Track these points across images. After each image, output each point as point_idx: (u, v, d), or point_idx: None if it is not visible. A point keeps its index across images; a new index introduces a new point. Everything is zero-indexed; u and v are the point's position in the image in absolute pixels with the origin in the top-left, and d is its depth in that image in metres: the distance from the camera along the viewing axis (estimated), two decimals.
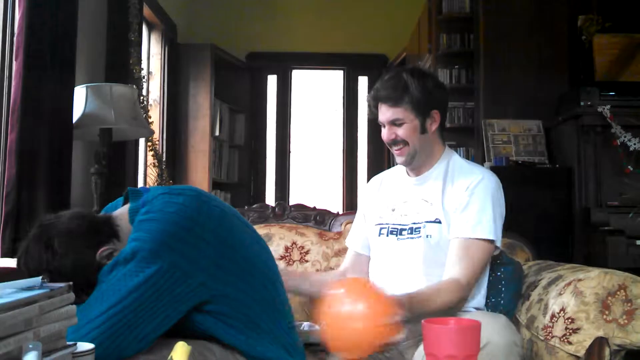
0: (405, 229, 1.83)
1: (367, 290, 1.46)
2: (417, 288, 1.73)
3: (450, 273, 1.73)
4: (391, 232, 1.86)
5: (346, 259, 2.04)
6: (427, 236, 1.80)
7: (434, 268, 1.78)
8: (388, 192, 1.94)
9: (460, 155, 5.11)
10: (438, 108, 1.82)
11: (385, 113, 1.80)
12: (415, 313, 1.60)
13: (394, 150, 1.83)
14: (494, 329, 1.46)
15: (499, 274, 1.97)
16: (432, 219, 1.80)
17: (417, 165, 1.86)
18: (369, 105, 1.86)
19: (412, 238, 1.82)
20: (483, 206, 1.75)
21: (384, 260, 1.87)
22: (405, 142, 1.80)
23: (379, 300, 1.42)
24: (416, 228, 1.82)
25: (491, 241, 1.75)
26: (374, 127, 6.55)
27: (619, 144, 3.66)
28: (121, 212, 1.42)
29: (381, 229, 1.89)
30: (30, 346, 0.79)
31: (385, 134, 1.83)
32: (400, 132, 1.79)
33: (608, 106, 3.71)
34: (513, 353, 1.49)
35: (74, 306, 0.97)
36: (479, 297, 1.83)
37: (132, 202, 1.38)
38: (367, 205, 2.00)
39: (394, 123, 1.79)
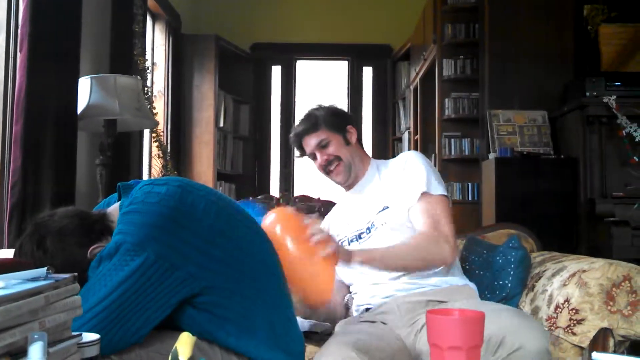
0: (363, 232, 1.92)
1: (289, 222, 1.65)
2: (396, 277, 1.83)
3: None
4: (352, 241, 1.94)
5: None
6: (382, 224, 1.88)
7: None
8: (339, 215, 2.07)
9: (465, 145, 5.09)
10: (351, 123, 2.03)
11: (311, 141, 1.98)
12: (377, 255, 1.74)
13: (332, 172, 1.98)
14: (529, 333, 1.41)
15: (509, 257, 1.97)
16: (380, 209, 1.90)
17: (354, 177, 2.00)
18: (295, 147, 2.05)
19: (371, 234, 1.90)
20: (422, 171, 1.87)
21: (357, 268, 1.90)
22: (338, 158, 1.97)
23: (298, 228, 1.63)
24: (370, 226, 1.91)
25: (444, 196, 1.86)
26: (379, 117, 6.54)
27: (624, 134, 3.64)
28: (114, 208, 1.41)
29: (342, 242, 1.95)
30: (36, 336, 0.79)
31: (319, 160, 1.98)
32: (331, 149, 1.97)
33: (614, 96, 3.69)
34: (544, 358, 1.42)
35: (79, 297, 0.97)
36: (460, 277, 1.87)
37: (124, 197, 1.38)
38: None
39: (322, 145, 1.97)
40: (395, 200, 1.88)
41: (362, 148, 2.07)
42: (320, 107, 2.06)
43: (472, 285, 1.86)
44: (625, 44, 4.11)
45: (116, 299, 1.20)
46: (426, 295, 1.78)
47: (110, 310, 1.20)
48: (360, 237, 1.92)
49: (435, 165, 4.66)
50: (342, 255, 1.66)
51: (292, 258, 1.55)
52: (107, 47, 3.34)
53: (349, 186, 2.03)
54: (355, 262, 1.72)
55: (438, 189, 1.85)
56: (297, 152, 2.07)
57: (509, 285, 1.93)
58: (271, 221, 1.64)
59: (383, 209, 1.89)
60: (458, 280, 1.85)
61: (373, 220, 1.90)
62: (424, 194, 1.83)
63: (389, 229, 1.86)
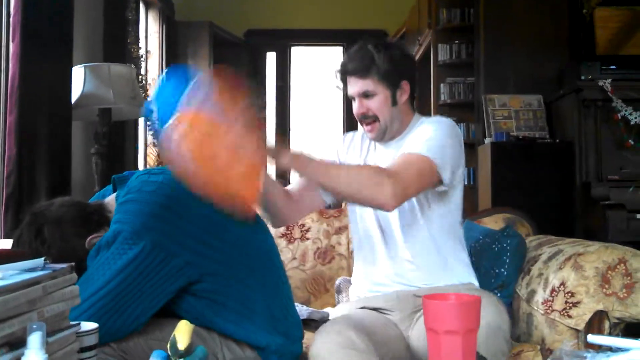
0: None
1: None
2: (399, 252, 1.73)
3: None
4: None
5: (295, 182, 1.87)
6: None
7: (410, 231, 1.74)
8: (357, 152, 1.88)
9: (460, 130, 5.08)
10: (407, 78, 1.77)
11: (355, 86, 1.75)
12: (311, 166, 1.54)
13: (365, 125, 1.78)
14: (482, 311, 1.43)
15: (505, 245, 1.97)
16: None
17: (388, 137, 1.80)
18: (339, 79, 1.81)
19: None
20: (429, 134, 1.68)
21: (362, 224, 1.82)
22: (375, 117, 1.75)
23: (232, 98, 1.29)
24: None
25: (431, 161, 1.62)
26: None
27: (619, 118, 3.64)
28: (111, 198, 1.42)
29: None
30: (35, 326, 0.80)
31: (355, 107, 1.77)
32: (372, 105, 1.74)
33: (609, 80, 3.68)
34: (497, 337, 1.46)
35: (77, 286, 0.97)
36: (463, 271, 1.79)
37: (119, 189, 1.38)
38: (345, 152, 1.91)
39: (365, 95, 1.74)
40: None
41: (410, 105, 1.82)
42: (382, 48, 1.74)
43: (476, 283, 1.80)
44: (620, 27, 4.10)
45: (114, 287, 1.21)
46: (430, 291, 1.74)
47: (108, 298, 1.20)
48: None
49: None
50: (271, 152, 1.48)
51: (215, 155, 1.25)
52: (100, 35, 3.32)
53: (383, 140, 1.82)
54: (284, 164, 1.53)
55: (424, 149, 1.63)
56: (339, 84, 1.83)
57: (505, 273, 1.93)
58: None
59: None
60: (466, 278, 1.79)
61: None
62: (413, 152, 1.64)
63: (404, 207, 1.69)
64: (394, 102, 1.75)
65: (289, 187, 1.84)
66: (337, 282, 2.10)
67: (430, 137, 1.67)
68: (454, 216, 1.80)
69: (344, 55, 1.78)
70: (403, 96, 1.77)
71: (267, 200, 1.72)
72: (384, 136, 1.79)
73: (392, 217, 1.75)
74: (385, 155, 1.79)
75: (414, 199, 1.71)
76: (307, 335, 1.64)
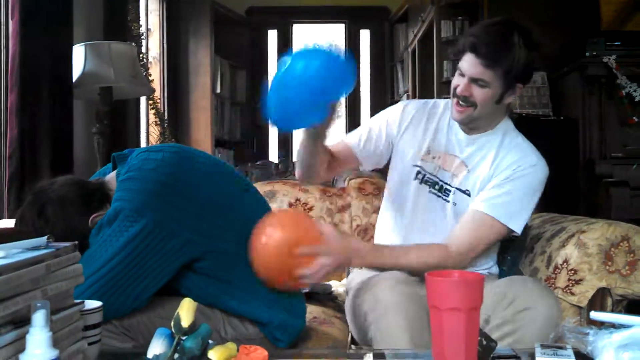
0: (437, 183, 1.74)
1: (297, 219, 1.49)
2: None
3: (449, 237, 1.67)
4: (425, 181, 1.76)
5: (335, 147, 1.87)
6: (454, 203, 1.72)
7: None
8: (433, 132, 1.79)
9: None
10: (524, 82, 1.69)
11: (472, 67, 1.61)
12: (383, 260, 1.61)
13: (457, 105, 1.67)
14: (539, 298, 1.44)
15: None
16: (462, 188, 1.72)
17: (472, 126, 1.73)
18: (457, 47, 1.67)
19: (439, 197, 1.74)
20: (519, 192, 1.66)
21: (411, 206, 1.78)
22: (474, 105, 1.64)
23: (305, 230, 1.45)
24: (446, 189, 1.74)
25: (507, 228, 1.66)
26: (377, 80, 6.49)
27: (624, 94, 3.62)
28: (111, 176, 1.42)
29: (418, 172, 1.77)
30: (39, 305, 0.80)
31: (460, 86, 1.64)
32: (478, 93, 1.63)
33: (613, 56, 3.65)
34: (551, 326, 1.42)
35: (80, 265, 0.98)
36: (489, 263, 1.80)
37: (119, 166, 1.38)
38: (406, 126, 1.82)
39: (476, 82, 1.62)
40: (478, 192, 1.70)
41: (505, 109, 1.75)
42: (526, 41, 1.60)
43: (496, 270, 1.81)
44: (625, 2, 4.05)
45: (117, 264, 1.21)
46: None
47: (111, 275, 1.21)
48: (433, 187, 1.74)
49: None
50: (341, 264, 1.49)
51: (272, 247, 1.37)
52: (100, 13, 3.29)
53: (466, 127, 1.74)
54: (360, 264, 1.65)
55: (505, 216, 1.64)
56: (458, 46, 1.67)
57: (508, 257, 1.91)
58: (278, 219, 1.46)
59: (464, 191, 1.72)
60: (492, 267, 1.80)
61: (450, 190, 1.73)
62: (490, 214, 1.64)
63: (457, 211, 1.71)
64: (499, 101, 1.67)
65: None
66: None
67: (515, 201, 1.65)
68: None
69: (477, 24, 1.67)
70: (510, 98, 1.68)
71: (311, 164, 1.72)
72: (470, 124, 1.72)
73: (444, 217, 1.73)
74: (461, 151, 1.74)
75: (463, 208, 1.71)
76: (310, 308, 1.64)
